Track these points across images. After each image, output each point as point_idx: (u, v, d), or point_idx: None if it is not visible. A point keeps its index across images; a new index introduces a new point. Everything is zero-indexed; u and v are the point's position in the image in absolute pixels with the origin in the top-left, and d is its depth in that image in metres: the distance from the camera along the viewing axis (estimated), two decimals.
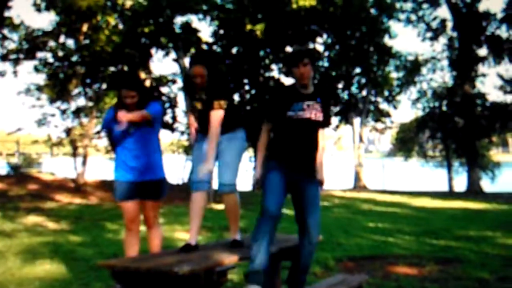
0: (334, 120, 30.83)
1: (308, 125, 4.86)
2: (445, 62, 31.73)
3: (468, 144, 27.69)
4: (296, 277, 5.05)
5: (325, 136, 5.09)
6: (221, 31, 24.82)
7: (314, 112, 4.85)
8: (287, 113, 4.84)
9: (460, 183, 29.63)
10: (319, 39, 27.34)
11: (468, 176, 27.94)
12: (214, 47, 24.88)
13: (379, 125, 36.45)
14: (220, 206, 14.99)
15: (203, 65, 5.11)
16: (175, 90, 26.47)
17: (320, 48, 27.80)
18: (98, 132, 24.96)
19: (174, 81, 26.42)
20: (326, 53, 28.37)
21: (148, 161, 5.40)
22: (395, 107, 34.34)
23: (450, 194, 25.92)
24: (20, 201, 16.69)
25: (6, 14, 23.11)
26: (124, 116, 5.12)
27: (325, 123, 5.00)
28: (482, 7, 57.37)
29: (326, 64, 28.34)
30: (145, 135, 5.39)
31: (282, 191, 4.81)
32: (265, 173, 4.88)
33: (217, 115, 5.09)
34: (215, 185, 5.23)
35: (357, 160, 31.94)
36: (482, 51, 28.79)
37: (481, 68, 33.45)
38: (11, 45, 24.37)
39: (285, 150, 4.89)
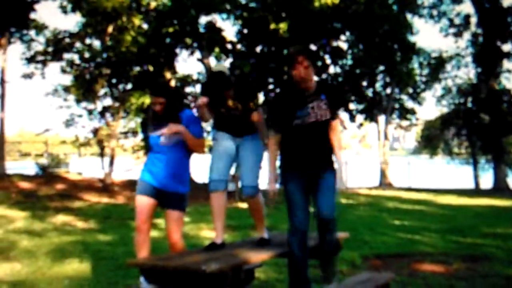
0: (359, 118, 30.70)
1: (315, 129, 4.79)
2: (469, 59, 31.51)
3: (494, 141, 27.43)
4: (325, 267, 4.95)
5: (336, 129, 4.95)
6: (245, 30, 24.83)
7: (319, 113, 4.77)
8: (293, 123, 4.79)
9: (487, 180, 29.34)
10: (342, 37, 27.27)
11: (494, 173, 27.69)
12: (239, 46, 24.90)
13: (404, 123, 36.25)
14: (245, 205, 15.05)
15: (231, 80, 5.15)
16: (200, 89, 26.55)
17: (344, 46, 27.72)
18: (124, 133, 25.19)
19: (199, 81, 26.51)
20: (350, 51, 28.28)
21: (174, 175, 5.32)
22: (419, 104, 34.12)
23: (476, 192, 25.72)
24: (49, 201, 16.87)
25: (32, 16, 23.42)
26: (170, 129, 5.20)
27: (332, 117, 4.88)
28: (506, 2, 56.67)
29: (350, 62, 28.26)
30: (178, 149, 5.36)
31: (305, 202, 4.84)
32: (284, 187, 4.90)
33: (259, 115, 5.18)
34: (240, 183, 5.26)
35: (382, 158, 31.80)
36: (507, 47, 28.54)
37: (506, 64, 33.13)
38: (38, 47, 24.70)
39: (298, 157, 4.85)
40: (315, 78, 5.00)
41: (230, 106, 5.15)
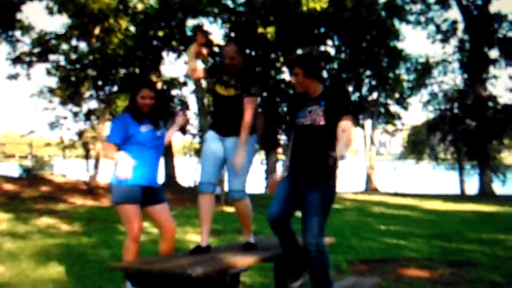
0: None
1: (310, 132, 4.76)
2: (456, 64, 31.69)
3: (479, 147, 27.58)
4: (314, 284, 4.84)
5: (346, 125, 4.68)
6: (233, 34, 24.85)
7: (315, 118, 4.74)
8: (295, 121, 4.87)
9: (472, 185, 29.51)
10: (329, 42, 27.36)
11: (480, 179, 27.84)
12: None
13: (390, 128, 36.41)
14: (231, 209, 15.01)
15: (238, 47, 5.14)
16: (187, 92, 26.54)
17: (331, 50, 27.81)
18: None
19: (185, 84, 26.48)
20: (337, 56, 28.37)
21: (157, 170, 5.35)
22: (405, 109, 34.28)
23: (462, 197, 25.85)
24: (33, 203, 16.77)
25: (18, 17, 23.28)
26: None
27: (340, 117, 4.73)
28: (493, 8, 57.07)
29: (336, 66, 28.34)
30: (162, 144, 5.38)
31: (285, 199, 4.81)
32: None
33: (254, 102, 5.10)
34: (226, 187, 5.25)
35: (368, 163, 31.93)
36: (494, 53, 28.73)
37: (493, 70, 33.29)
38: (24, 48, 24.56)
39: (294, 157, 4.89)
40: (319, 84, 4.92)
41: (227, 80, 5.15)
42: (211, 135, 5.23)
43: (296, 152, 4.86)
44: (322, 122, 4.73)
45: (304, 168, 4.79)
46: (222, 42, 24.90)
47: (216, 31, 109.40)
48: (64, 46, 24.52)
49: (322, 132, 4.74)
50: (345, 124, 4.58)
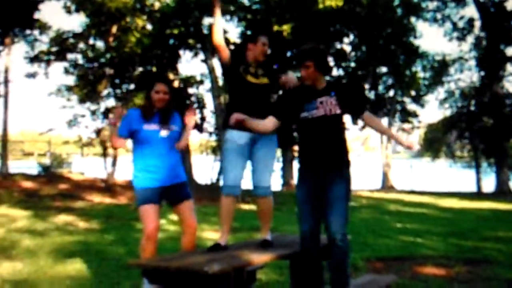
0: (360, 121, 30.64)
1: (325, 122, 4.75)
2: (472, 62, 31.48)
3: (496, 145, 27.39)
4: (334, 277, 4.84)
5: (373, 118, 4.99)
6: (249, 32, 24.85)
7: (328, 108, 4.73)
8: (301, 115, 4.80)
9: (489, 183, 29.33)
10: (346, 39, 27.28)
11: (497, 177, 27.64)
12: None
13: (406, 125, 36.26)
14: (248, 207, 15.05)
15: (268, 37, 5.28)
16: (203, 91, 26.55)
17: (347, 48, 27.74)
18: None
19: (202, 82, 26.52)
20: (353, 53, 28.30)
21: (175, 166, 5.30)
22: (422, 107, 34.15)
23: (478, 195, 25.72)
24: (51, 200, 16.90)
25: (36, 16, 23.46)
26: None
27: (359, 109, 4.90)
28: (510, 5, 56.51)
29: (353, 64, 28.26)
30: (173, 141, 5.32)
31: (314, 210, 4.80)
32: (297, 189, 4.92)
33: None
34: (243, 186, 5.25)
35: (384, 161, 31.83)
36: (511, 51, 28.57)
37: (510, 68, 33.08)
38: (42, 47, 24.75)
39: (308, 154, 4.85)
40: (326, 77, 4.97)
41: (256, 70, 5.20)
42: (233, 135, 5.16)
43: (311, 145, 4.82)
44: (338, 111, 4.75)
45: (324, 160, 4.76)
46: (238, 41, 24.96)
47: (232, 30, 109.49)
48: (82, 45, 24.70)
49: (337, 121, 4.79)
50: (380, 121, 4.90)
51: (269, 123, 4.89)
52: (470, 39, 30.96)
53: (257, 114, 4.95)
